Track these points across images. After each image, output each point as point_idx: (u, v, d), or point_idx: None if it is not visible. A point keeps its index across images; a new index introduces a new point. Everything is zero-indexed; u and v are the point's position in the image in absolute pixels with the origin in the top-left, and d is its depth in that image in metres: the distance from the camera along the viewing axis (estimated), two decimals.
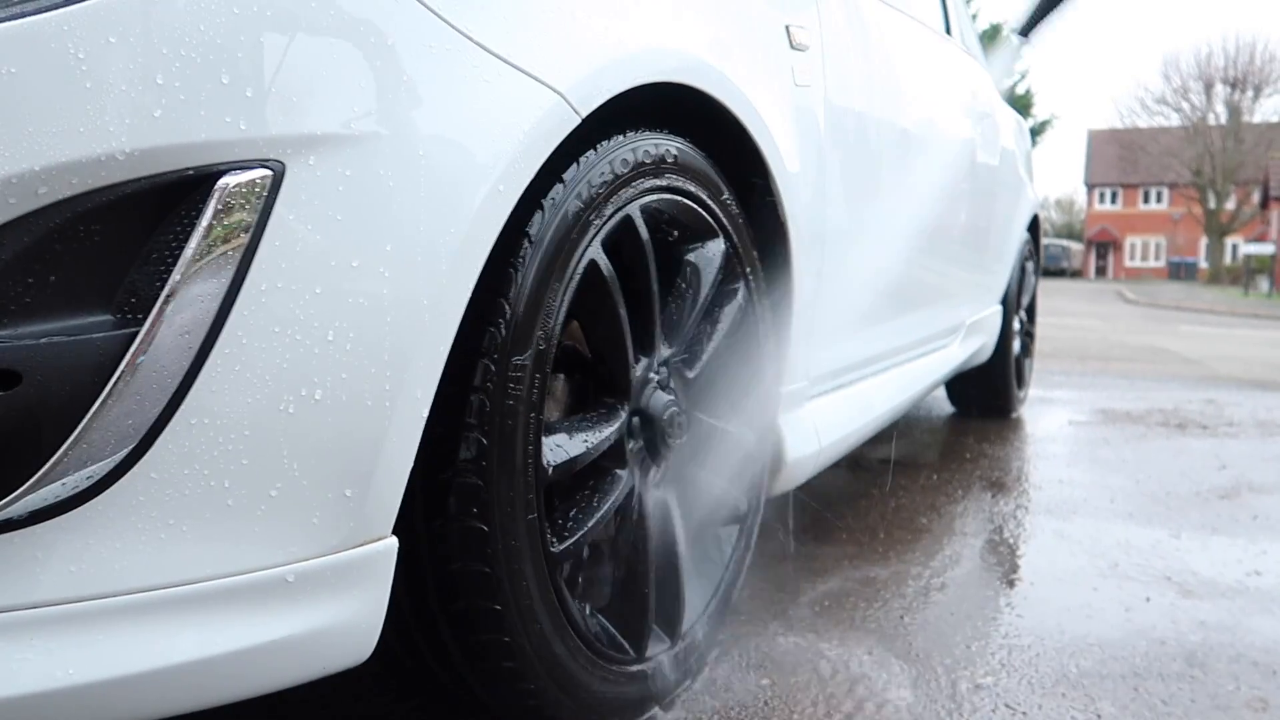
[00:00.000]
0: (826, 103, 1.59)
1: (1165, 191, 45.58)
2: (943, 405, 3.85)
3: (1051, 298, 15.85)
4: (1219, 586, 1.80)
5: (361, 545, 0.84)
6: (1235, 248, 38.35)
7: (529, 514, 1.00)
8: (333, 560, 0.82)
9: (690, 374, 1.31)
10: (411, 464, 0.87)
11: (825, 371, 1.76)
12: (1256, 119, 36.96)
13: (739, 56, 1.32)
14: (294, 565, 0.80)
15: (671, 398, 1.26)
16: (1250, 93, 36.87)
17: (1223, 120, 37.12)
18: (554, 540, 1.06)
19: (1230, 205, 37.44)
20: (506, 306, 0.96)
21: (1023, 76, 30.50)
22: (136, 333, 0.70)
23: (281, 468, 0.77)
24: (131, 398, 0.70)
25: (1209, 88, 37.35)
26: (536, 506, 1.02)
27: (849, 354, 1.89)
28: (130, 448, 0.71)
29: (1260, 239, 31.91)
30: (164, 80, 0.69)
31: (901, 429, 3.41)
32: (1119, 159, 44.30)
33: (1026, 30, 1.59)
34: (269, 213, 0.73)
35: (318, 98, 0.76)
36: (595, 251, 1.07)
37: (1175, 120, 38.93)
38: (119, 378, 0.70)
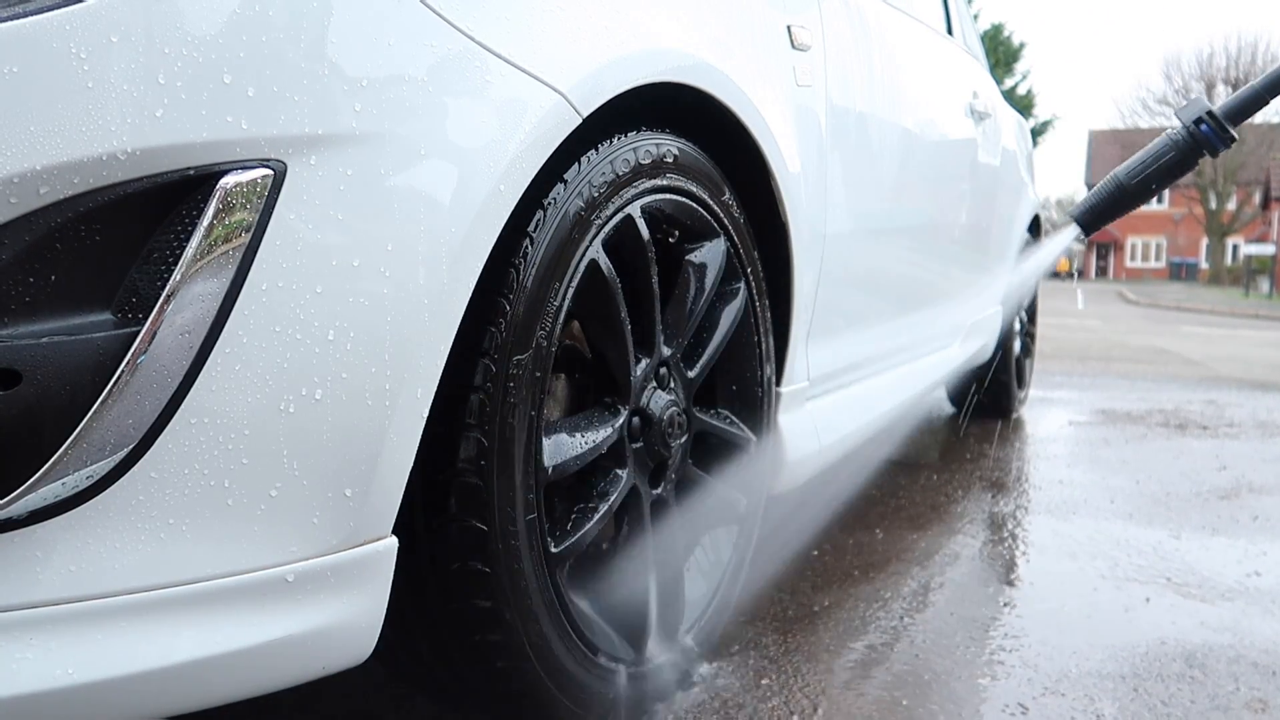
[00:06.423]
0: (828, 103, 1.59)
1: (1166, 192, 45.53)
2: (943, 405, 3.85)
3: (1052, 298, 15.84)
4: (1219, 587, 1.80)
5: (361, 545, 0.84)
6: (1236, 248, 38.31)
7: (529, 514, 1.00)
8: (333, 560, 0.82)
9: (691, 374, 1.31)
10: (411, 463, 0.87)
11: (826, 371, 1.76)
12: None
13: (740, 56, 1.32)
14: (294, 565, 0.80)
15: (672, 397, 1.26)
16: None
17: None
18: (554, 540, 1.07)
19: (1231, 206, 37.39)
20: (507, 306, 0.96)
21: (1024, 77, 30.48)
22: (137, 332, 0.70)
23: (282, 467, 0.77)
24: (132, 397, 0.70)
25: (1210, 88, 37.26)
26: (536, 506, 1.02)
27: (849, 354, 1.89)
28: (130, 447, 0.71)
29: (1261, 239, 31.93)
30: (165, 80, 0.69)
31: (902, 429, 3.41)
32: (1120, 159, 44.04)
33: (1089, 228, 1.61)
34: (270, 212, 0.73)
35: (319, 97, 0.76)
36: (596, 251, 1.07)
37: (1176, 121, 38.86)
38: (119, 377, 0.70)
